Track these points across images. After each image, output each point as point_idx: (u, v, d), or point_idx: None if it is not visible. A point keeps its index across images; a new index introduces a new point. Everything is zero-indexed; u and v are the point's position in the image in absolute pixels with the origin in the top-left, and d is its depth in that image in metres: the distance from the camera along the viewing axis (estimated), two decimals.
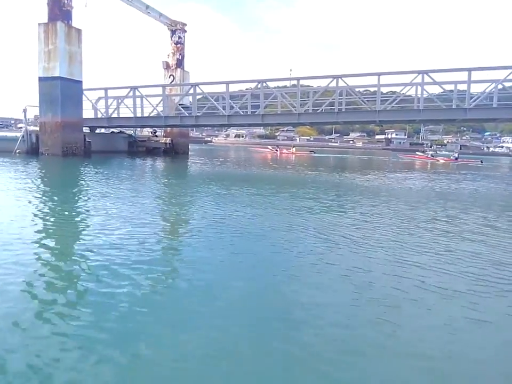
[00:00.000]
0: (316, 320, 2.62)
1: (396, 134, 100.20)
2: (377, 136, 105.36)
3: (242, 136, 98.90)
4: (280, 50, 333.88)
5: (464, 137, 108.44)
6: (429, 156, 32.61)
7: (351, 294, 3.08)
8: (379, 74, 15.89)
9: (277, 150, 35.70)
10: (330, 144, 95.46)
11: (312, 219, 5.99)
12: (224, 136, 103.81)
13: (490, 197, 10.58)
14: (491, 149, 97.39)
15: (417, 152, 37.40)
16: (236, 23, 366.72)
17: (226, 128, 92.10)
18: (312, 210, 6.80)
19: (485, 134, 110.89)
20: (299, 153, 35.44)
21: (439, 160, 30.82)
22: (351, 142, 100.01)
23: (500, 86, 15.48)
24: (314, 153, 37.34)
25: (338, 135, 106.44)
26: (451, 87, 16.75)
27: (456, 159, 31.10)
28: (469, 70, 14.99)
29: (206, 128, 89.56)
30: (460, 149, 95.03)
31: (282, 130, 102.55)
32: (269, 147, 40.78)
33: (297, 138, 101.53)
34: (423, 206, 7.89)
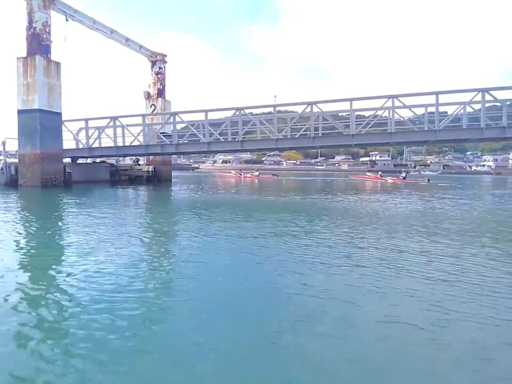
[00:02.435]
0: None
1: (380, 156, 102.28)
2: (361, 159, 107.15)
3: (229, 162, 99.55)
4: (264, 77, 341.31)
5: (446, 157, 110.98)
6: (378, 176, 34.00)
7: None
8: (351, 99, 16.43)
9: (240, 175, 36.61)
10: (316, 167, 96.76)
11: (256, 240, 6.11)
12: (211, 162, 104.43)
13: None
14: (473, 168, 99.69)
15: (367, 173, 39.08)
16: (220, 51, 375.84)
17: (213, 154, 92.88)
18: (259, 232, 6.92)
19: (467, 153, 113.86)
20: (262, 176, 36.38)
21: (387, 180, 32.02)
22: (336, 164, 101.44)
23: (469, 109, 16.17)
24: (277, 176, 38.59)
25: (324, 158, 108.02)
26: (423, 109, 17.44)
27: (404, 178, 32.46)
28: (437, 93, 15.60)
29: (193, 155, 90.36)
30: (443, 168, 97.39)
31: (269, 155, 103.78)
32: (233, 172, 41.89)
33: (284, 163, 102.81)
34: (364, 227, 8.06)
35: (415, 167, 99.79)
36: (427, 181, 32.21)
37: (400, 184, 28.71)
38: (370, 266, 4.69)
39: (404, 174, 33.62)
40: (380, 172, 35.43)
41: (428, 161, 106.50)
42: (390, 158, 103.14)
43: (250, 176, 36.08)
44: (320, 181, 37.08)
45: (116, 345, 2.62)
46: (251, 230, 7.33)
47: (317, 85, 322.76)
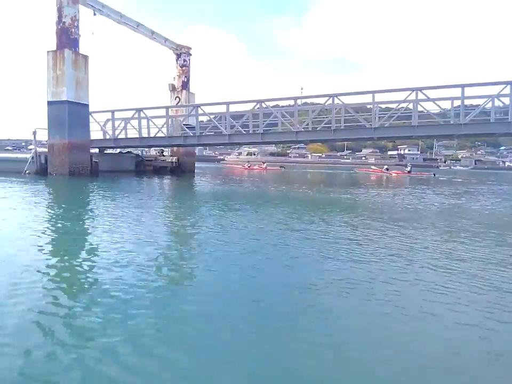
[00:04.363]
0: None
1: (409, 150, 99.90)
2: (389, 152, 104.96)
3: (254, 154, 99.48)
4: (291, 70, 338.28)
5: (478, 152, 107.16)
6: (383, 169, 33.67)
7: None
8: (373, 92, 16.21)
9: (249, 166, 38.07)
10: (342, 161, 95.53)
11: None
12: (237, 154, 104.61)
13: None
14: (507, 163, 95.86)
15: (372, 167, 39.46)
16: (245, 43, 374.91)
17: (238, 146, 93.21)
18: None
19: (500, 148, 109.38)
20: (270, 168, 37.69)
21: (391, 174, 31.71)
22: (363, 158, 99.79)
23: (499, 103, 15.59)
24: (284, 168, 39.67)
25: (350, 151, 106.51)
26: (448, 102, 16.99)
27: (409, 172, 32.25)
28: (462, 86, 15.17)
29: (218, 147, 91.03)
30: (475, 163, 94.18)
31: (294, 148, 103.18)
32: (242, 164, 43.76)
33: (309, 155, 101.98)
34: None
35: (445, 162, 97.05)
36: (433, 175, 32.32)
37: (404, 178, 28.53)
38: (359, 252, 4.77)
39: (409, 168, 33.42)
40: (385, 166, 35.29)
41: (459, 156, 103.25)
42: (419, 152, 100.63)
43: (259, 168, 37.39)
44: (332, 174, 37.69)
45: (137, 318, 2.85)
46: (262, 220, 7.51)
47: (347, 78, 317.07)
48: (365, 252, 5.12)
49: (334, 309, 3.17)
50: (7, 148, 31.21)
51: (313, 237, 5.98)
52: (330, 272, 4.15)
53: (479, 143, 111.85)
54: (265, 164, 39.03)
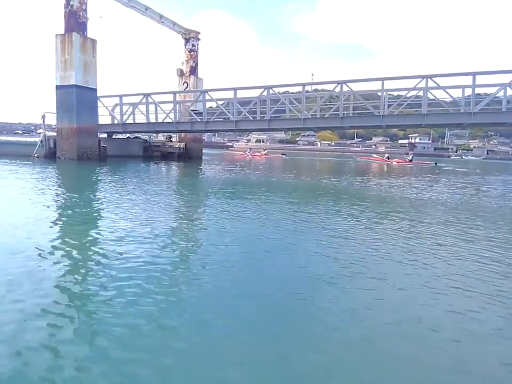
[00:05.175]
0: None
1: (420, 139, 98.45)
2: (400, 141, 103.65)
3: (263, 141, 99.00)
4: (302, 56, 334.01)
5: (491, 142, 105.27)
6: (384, 158, 33.70)
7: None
8: (383, 79, 15.96)
9: (251, 153, 39.03)
10: (352, 149, 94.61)
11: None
12: (245, 141, 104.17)
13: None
14: None
15: (373, 155, 39.04)
16: (255, 28, 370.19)
17: (247, 133, 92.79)
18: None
19: None
20: (271, 155, 38.81)
21: (392, 162, 31.75)
22: (373, 146, 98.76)
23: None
24: (286, 156, 40.14)
25: (360, 139, 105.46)
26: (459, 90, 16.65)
27: (410, 161, 32.23)
28: (474, 74, 14.84)
29: (227, 133, 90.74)
30: (487, 153, 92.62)
31: (304, 135, 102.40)
32: (241, 151, 45.80)
33: (318, 143, 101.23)
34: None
35: (456, 151, 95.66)
36: (434, 164, 32.25)
37: (404, 167, 28.41)
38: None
39: (410, 157, 33.49)
40: (386, 154, 35.29)
41: (471, 146, 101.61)
42: (430, 141, 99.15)
43: (259, 155, 38.04)
44: (334, 162, 37.62)
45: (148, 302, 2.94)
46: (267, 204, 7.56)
47: (359, 65, 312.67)
48: (354, 243, 5.15)
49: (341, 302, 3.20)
50: (17, 131, 31.59)
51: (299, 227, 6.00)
52: (325, 266, 4.19)
53: (492, 133, 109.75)
54: (265, 151, 40.07)
